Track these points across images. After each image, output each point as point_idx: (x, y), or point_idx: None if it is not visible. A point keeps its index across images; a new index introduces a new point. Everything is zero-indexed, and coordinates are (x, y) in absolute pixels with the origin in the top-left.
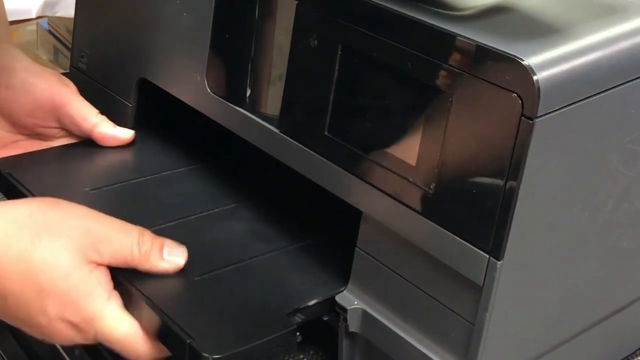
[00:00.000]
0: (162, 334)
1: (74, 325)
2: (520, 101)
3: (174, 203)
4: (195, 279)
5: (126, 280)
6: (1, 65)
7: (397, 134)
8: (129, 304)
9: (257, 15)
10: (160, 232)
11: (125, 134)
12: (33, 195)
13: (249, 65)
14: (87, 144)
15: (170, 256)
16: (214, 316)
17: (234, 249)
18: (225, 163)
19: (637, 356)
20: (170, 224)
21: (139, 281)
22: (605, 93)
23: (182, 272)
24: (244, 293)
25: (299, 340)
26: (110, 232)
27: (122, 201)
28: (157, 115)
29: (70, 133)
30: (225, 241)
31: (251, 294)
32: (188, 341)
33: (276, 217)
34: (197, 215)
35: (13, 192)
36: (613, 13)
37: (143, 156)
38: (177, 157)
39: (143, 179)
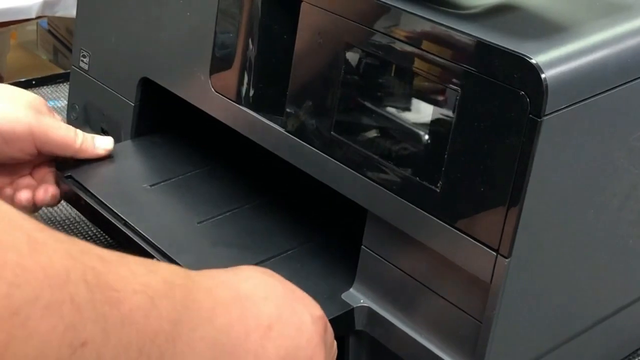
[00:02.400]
0: None
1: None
2: (527, 99)
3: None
4: None
5: None
6: None
7: (403, 133)
8: None
9: (260, 13)
10: (212, 224)
11: (107, 144)
12: (95, 196)
13: (254, 64)
14: (133, 142)
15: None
16: None
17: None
18: (234, 163)
19: (638, 355)
20: (220, 216)
21: None
22: (612, 91)
23: (239, 260)
24: (297, 279)
25: None
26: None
27: (180, 195)
28: (159, 115)
29: (43, 158)
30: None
31: (303, 279)
32: None
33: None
34: (242, 208)
35: (75, 194)
36: (619, 11)
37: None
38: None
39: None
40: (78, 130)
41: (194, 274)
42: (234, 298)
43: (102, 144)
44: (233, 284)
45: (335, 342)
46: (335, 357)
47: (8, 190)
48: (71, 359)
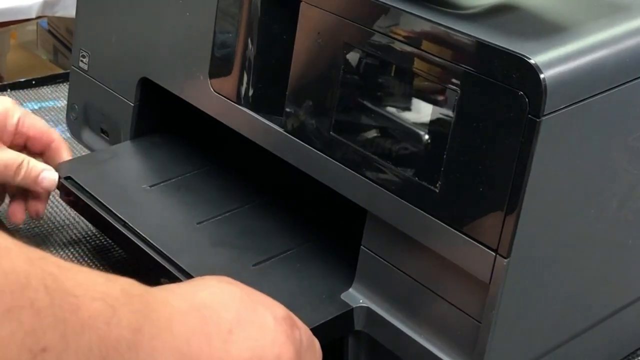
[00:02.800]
0: None
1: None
2: (526, 99)
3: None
4: (252, 267)
5: (185, 272)
6: None
7: (402, 133)
8: None
9: (260, 13)
10: (211, 225)
11: (53, 176)
12: (95, 197)
13: (253, 64)
14: (133, 143)
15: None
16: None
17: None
18: (233, 163)
19: (638, 355)
20: (219, 216)
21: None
22: (611, 91)
23: (238, 261)
24: (296, 279)
25: None
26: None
27: (179, 195)
28: (159, 115)
29: None
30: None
31: (303, 279)
32: None
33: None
34: (241, 208)
35: (74, 195)
36: (618, 11)
37: (172, 155)
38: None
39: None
40: (27, 159)
41: (150, 287)
42: (191, 307)
43: (46, 179)
44: (190, 294)
45: (316, 340)
46: (320, 356)
47: None
48: None
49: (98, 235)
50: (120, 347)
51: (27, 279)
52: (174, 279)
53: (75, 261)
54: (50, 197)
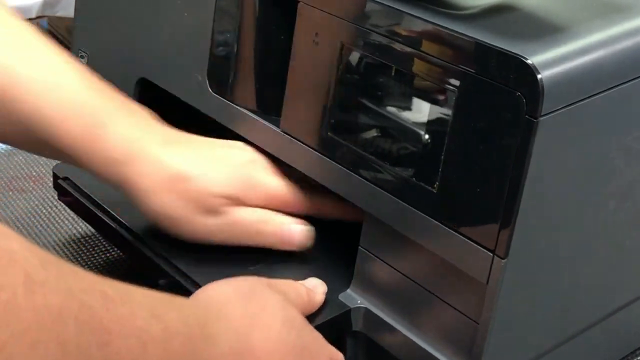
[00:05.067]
0: None
1: None
2: (524, 100)
3: None
4: (250, 268)
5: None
6: None
7: (400, 133)
8: None
9: (258, 14)
10: None
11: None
12: (92, 197)
13: (251, 65)
14: None
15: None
16: None
17: None
18: None
19: (637, 356)
20: None
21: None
22: (608, 92)
23: (236, 262)
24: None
25: None
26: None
27: None
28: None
29: None
30: None
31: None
32: None
33: None
34: None
35: (72, 196)
36: (616, 12)
37: None
38: None
39: None
40: (270, 215)
41: (208, 315)
42: (236, 355)
43: (296, 234)
44: (244, 334)
45: (302, 287)
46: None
47: None
48: None
49: (97, 236)
50: None
51: (59, 312)
52: (171, 280)
53: (74, 261)
54: (48, 197)
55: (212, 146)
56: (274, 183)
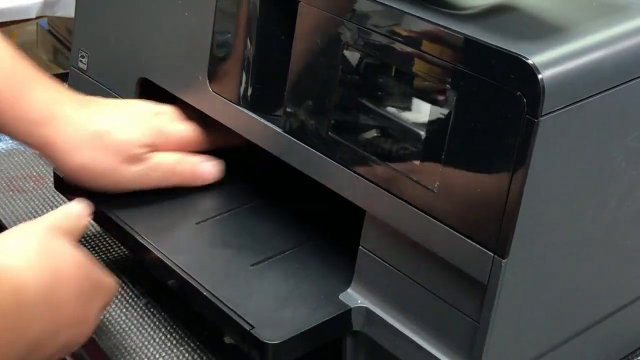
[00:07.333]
0: (224, 323)
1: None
2: (524, 100)
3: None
4: (250, 267)
5: (183, 272)
6: None
7: (400, 133)
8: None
9: (258, 14)
10: (210, 225)
11: (211, 166)
12: (95, 195)
13: (251, 64)
14: None
15: None
16: (270, 303)
17: (279, 239)
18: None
19: (637, 356)
20: (218, 217)
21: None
22: (609, 92)
23: (236, 261)
24: (295, 279)
25: None
26: None
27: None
28: None
29: None
30: (271, 232)
31: (301, 280)
32: (248, 329)
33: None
34: (240, 208)
35: (77, 194)
36: (616, 12)
37: None
38: None
39: None
40: (179, 158)
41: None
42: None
43: (205, 172)
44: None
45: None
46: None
47: None
48: None
49: (97, 236)
50: None
51: None
52: (175, 279)
53: None
54: (48, 197)
55: (122, 105)
56: (181, 128)
